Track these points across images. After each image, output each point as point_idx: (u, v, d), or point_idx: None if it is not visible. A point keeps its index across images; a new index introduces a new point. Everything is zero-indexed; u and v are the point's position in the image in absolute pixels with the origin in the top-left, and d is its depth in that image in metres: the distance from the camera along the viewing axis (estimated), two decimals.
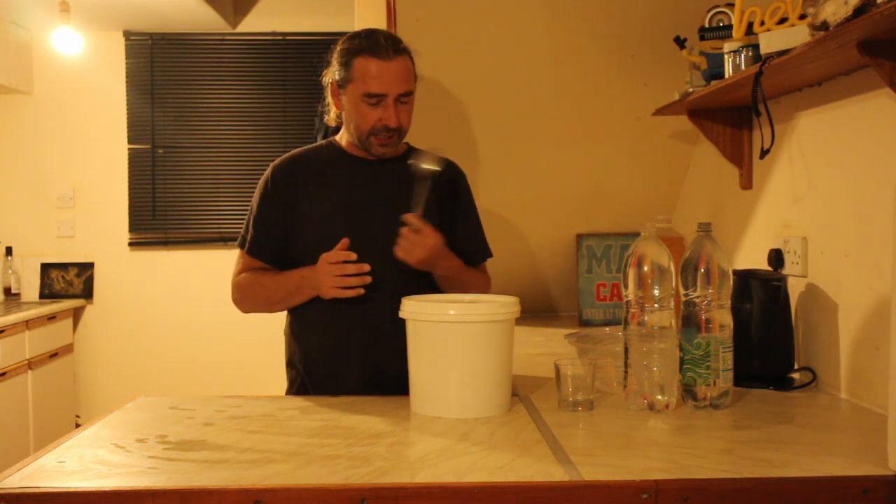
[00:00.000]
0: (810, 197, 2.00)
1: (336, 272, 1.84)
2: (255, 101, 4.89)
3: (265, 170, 2.08)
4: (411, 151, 2.05)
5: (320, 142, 2.14)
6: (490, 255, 2.15)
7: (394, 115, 1.90)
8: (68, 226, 4.89)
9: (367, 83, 1.89)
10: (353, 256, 1.85)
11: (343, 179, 2.00)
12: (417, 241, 1.86)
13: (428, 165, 1.90)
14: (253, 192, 2.10)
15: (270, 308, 2.03)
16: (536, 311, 3.15)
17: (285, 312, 2.08)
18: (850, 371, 1.80)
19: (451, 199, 2.06)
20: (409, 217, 1.87)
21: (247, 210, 2.11)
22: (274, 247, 2.01)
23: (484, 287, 2.06)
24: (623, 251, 2.94)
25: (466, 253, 2.06)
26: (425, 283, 1.95)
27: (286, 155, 2.08)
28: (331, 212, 1.96)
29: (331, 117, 2.09)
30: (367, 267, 1.85)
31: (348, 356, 1.95)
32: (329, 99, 2.03)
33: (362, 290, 1.85)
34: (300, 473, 1.30)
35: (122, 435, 1.53)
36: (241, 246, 2.05)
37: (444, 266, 1.94)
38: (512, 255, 2.98)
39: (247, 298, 2.02)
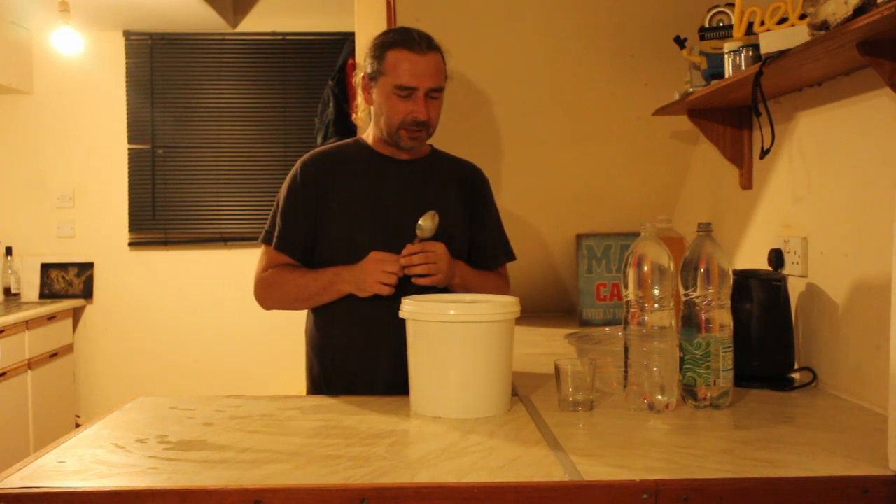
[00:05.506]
0: (810, 197, 2.00)
1: (387, 268, 1.84)
2: (255, 101, 4.88)
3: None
4: (435, 154, 2.10)
5: (347, 140, 2.15)
6: (512, 258, 2.16)
7: (423, 108, 1.92)
8: (68, 226, 4.89)
9: (399, 76, 1.91)
10: (400, 259, 1.86)
11: (370, 177, 2.01)
12: (431, 257, 1.87)
13: (425, 228, 1.88)
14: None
15: (298, 305, 2.02)
16: (536, 311, 3.15)
17: (306, 314, 2.08)
18: (850, 371, 1.80)
19: (474, 204, 2.08)
20: (408, 247, 1.87)
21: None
22: (303, 242, 2.00)
23: (500, 289, 2.04)
24: (623, 251, 2.94)
25: (486, 256, 2.08)
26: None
27: (314, 151, 2.09)
28: (359, 209, 1.97)
29: (359, 115, 2.10)
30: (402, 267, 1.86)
31: (378, 352, 1.94)
32: (359, 96, 2.05)
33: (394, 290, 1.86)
34: (300, 473, 1.30)
35: (122, 435, 1.53)
36: (267, 242, 2.03)
37: (460, 272, 1.95)
38: None
39: (273, 295, 2.01)
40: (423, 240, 1.88)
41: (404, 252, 1.86)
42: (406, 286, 1.86)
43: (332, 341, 2.01)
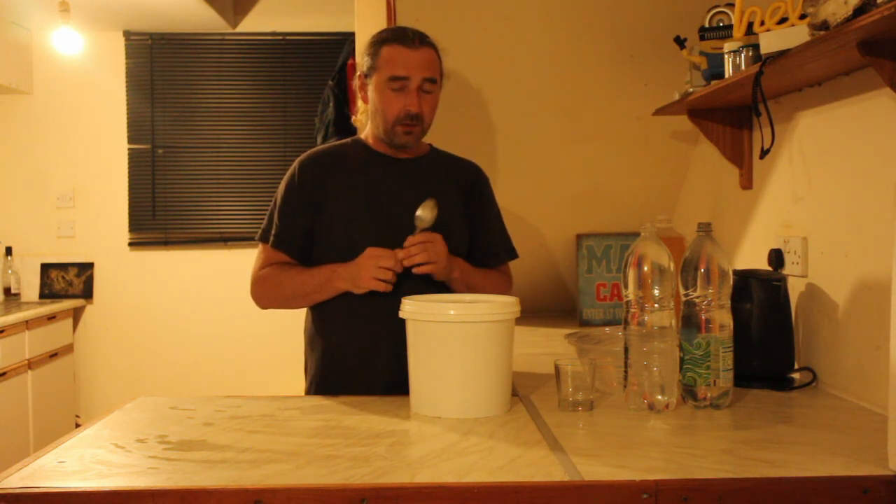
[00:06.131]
0: (810, 197, 2.00)
1: (382, 264, 1.84)
2: (255, 101, 4.89)
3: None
4: (434, 152, 2.09)
5: (345, 139, 2.15)
6: (514, 256, 2.15)
7: (416, 100, 1.93)
8: (68, 226, 4.89)
9: (392, 67, 1.93)
10: (398, 254, 1.86)
11: (368, 176, 2.01)
12: (430, 247, 1.86)
13: (424, 218, 1.88)
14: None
15: (294, 303, 2.02)
16: (536, 310, 3.15)
17: (305, 313, 2.08)
18: (850, 371, 1.80)
19: (474, 202, 2.08)
20: (409, 239, 1.87)
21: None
22: (300, 241, 2.00)
23: (501, 287, 2.05)
24: (623, 251, 2.94)
25: (488, 254, 2.08)
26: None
27: (312, 150, 2.09)
28: (357, 208, 1.97)
29: (358, 117, 2.10)
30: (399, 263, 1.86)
31: (377, 351, 1.94)
32: (358, 98, 2.05)
33: (391, 287, 1.86)
34: (300, 473, 1.30)
35: (122, 435, 1.53)
36: (264, 240, 2.03)
37: (458, 266, 1.95)
38: None
39: (270, 293, 2.01)
40: (422, 231, 1.88)
41: (405, 244, 1.86)
42: (403, 283, 1.86)
43: (330, 340, 2.01)
